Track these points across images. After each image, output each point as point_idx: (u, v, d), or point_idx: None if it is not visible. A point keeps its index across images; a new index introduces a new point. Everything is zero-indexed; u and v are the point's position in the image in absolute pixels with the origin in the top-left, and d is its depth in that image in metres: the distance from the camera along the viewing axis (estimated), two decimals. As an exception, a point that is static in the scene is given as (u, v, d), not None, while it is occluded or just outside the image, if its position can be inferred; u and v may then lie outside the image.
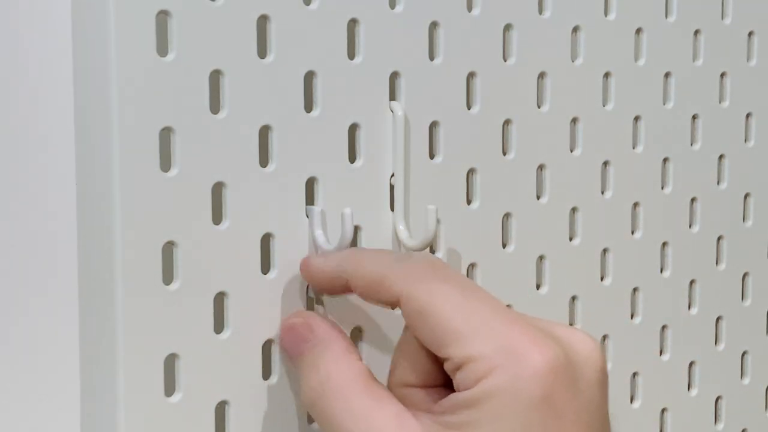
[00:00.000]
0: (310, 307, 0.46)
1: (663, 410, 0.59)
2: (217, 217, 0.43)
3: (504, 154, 0.51)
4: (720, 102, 0.60)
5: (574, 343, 0.41)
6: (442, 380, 0.43)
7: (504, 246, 0.52)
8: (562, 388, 0.40)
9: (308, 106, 0.45)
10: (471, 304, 0.41)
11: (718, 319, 0.61)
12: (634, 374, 0.57)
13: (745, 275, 0.62)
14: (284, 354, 0.45)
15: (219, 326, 0.44)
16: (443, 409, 0.41)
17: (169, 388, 0.43)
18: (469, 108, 0.50)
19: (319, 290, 0.45)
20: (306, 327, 0.43)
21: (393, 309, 0.43)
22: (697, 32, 0.58)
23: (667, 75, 0.57)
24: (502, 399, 0.39)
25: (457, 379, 0.40)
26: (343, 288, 0.44)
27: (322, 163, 0.46)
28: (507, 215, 0.52)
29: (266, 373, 0.45)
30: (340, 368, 0.42)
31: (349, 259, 0.43)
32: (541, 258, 0.53)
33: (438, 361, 0.42)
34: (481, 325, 0.40)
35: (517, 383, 0.39)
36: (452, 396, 0.40)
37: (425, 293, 0.41)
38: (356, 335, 0.48)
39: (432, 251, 0.49)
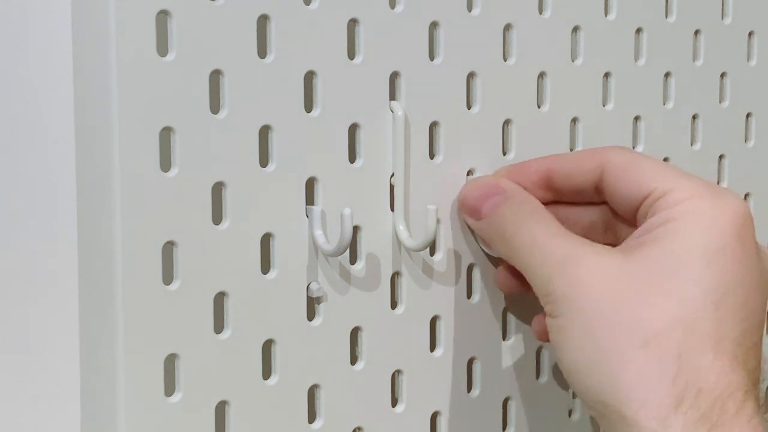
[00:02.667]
0: (310, 307, 0.46)
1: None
2: (217, 217, 0.43)
3: (504, 154, 0.51)
4: (720, 102, 0.60)
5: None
6: None
7: (504, 246, 0.52)
8: (750, 238, 0.45)
9: (308, 106, 0.45)
10: (674, 167, 0.47)
11: (718, 319, 0.61)
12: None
13: (745, 275, 0.62)
14: (469, 211, 0.48)
15: (219, 326, 0.44)
16: (633, 237, 0.45)
17: (169, 388, 0.43)
18: (469, 108, 0.50)
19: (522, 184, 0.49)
20: (496, 187, 0.48)
21: (596, 181, 0.47)
22: (697, 32, 0.58)
23: (667, 75, 0.57)
24: (698, 223, 0.44)
25: (657, 206, 0.45)
26: (547, 183, 0.48)
27: (322, 163, 0.46)
28: (507, 215, 0.52)
29: (266, 373, 0.45)
30: (541, 211, 0.46)
31: (551, 157, 0.49)
32: (541, 258, 0.53)
33: None
34: (684, 176, 0.45)
35: (718, 210, 0.44)
36: (649, 221, 0.45)
37: (630, 153, 0.47)
38: (356, 335, 0.48)
39: (432, 251, 0.49)
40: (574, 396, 0.55)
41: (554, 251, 0.45)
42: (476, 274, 0.51)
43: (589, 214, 0.49)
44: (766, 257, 0.46)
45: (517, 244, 0.46)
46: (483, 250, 0.50)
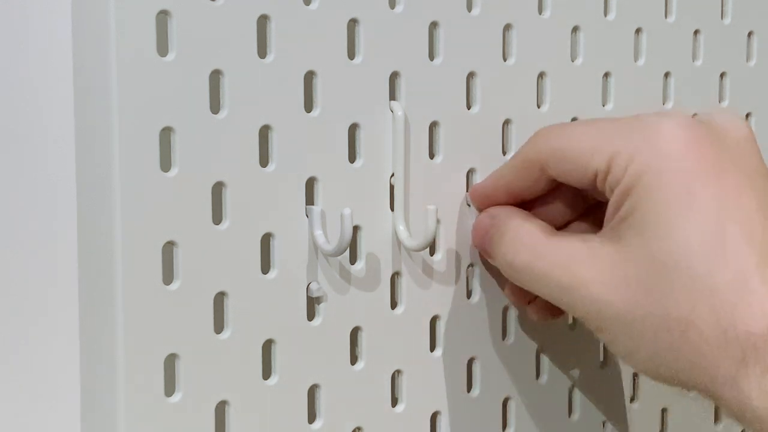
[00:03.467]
0: (310, 307, 0.46)
1: (663, 410, 0.59)
2: (217, 217, 0.43)
3: (504, 154, 0.51)
4: (720, 102, 0.60)
5: (713, 115, 0.45)
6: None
7: (504, 246, 0.52)
8: (702, 140, 0.43)
9: (308, 106, 0.45)
10: (595, 124, 0.46)
11: (718, 319, 0.61)
12: (635, 374, 0.57)
13: (745, 275, 0.62)
14: (481, 251, 0.49)
15: (219, 326, 0.44)
16: (609, 216, 0.44)
17: (169, 388, 0.43)
18: (469, 108, 0.50)
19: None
20: (487, 216, 0.48)
21: (544, 177, 0.47)
22: (696, 32, 0.58)
23: (666, 75, 0.57)
24: (651, 173, 0.43)
25: (609, 182, 0.44)
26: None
27: (322, 163, 0.46)
28: (507, 215, 0.52)
29: (266, 373, 0.45)
30: (524, 228, 0.47)
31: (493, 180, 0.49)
32: (541, 258, 0.53)
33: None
34: (610, 132, 0.45)
35: (658, 151, 0.43)
36: (611, 200, 0.44)
37: (554, 140, 0.46)
38: (356, 335, 0.48)
39: (432, 251, 0.49)
40: (571, 395, 0.55)
41: (551, 277, 0.45)
42: (476, 274, 0.51)
43: (566, 205, 0.49)
44: (739, 148, 0.44)
45: (518, 273, 0.47)
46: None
